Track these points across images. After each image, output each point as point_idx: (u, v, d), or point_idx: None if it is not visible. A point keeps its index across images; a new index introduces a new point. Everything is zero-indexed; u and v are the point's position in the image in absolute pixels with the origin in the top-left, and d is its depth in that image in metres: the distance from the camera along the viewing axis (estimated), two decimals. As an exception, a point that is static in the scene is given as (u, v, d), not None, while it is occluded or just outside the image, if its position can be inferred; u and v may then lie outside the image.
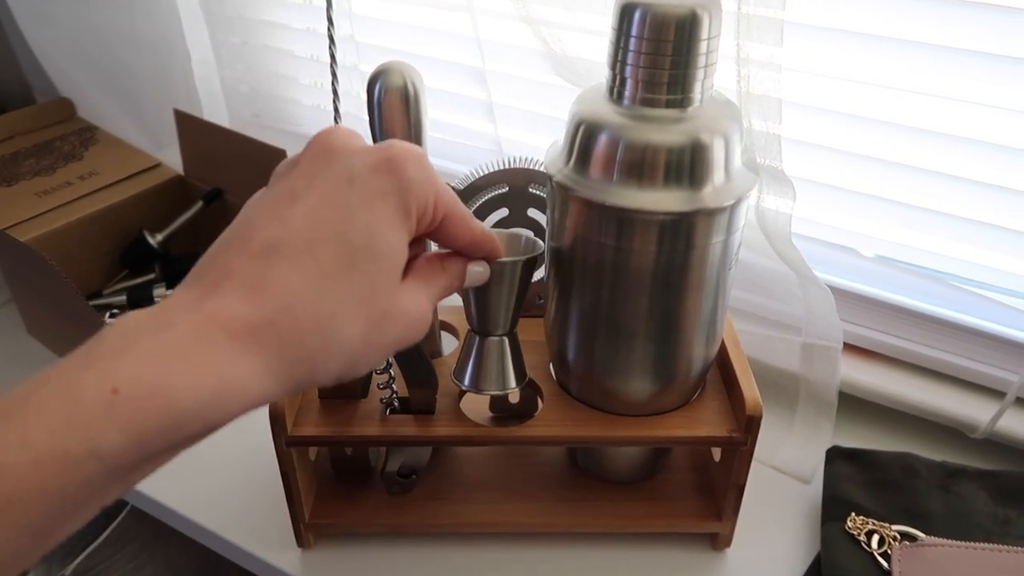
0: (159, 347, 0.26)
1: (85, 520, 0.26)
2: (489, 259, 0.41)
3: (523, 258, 0.44)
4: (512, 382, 0.49)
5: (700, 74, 0.42)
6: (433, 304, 0.36)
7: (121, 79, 0.92)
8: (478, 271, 0.40)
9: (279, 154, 0.74)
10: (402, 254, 0.33)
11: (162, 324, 0.27)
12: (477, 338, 0.48)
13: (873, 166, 0.62)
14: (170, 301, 0.29)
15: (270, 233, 0.30)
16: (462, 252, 0.39)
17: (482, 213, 0.56)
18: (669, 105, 0.42)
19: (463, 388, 0.49)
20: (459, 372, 0.49)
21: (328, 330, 0.29)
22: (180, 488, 0.61)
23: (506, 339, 0.48)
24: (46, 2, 0.89)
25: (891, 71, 0.58)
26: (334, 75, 0.52)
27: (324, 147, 0.33)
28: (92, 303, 0.76)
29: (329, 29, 0.50)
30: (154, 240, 0.80)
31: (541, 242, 0.47)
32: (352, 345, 0.30)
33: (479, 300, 0.46)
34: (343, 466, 0.58)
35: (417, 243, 0.36)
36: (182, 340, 0.27)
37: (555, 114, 0.74)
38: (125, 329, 0.27)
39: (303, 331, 0.29)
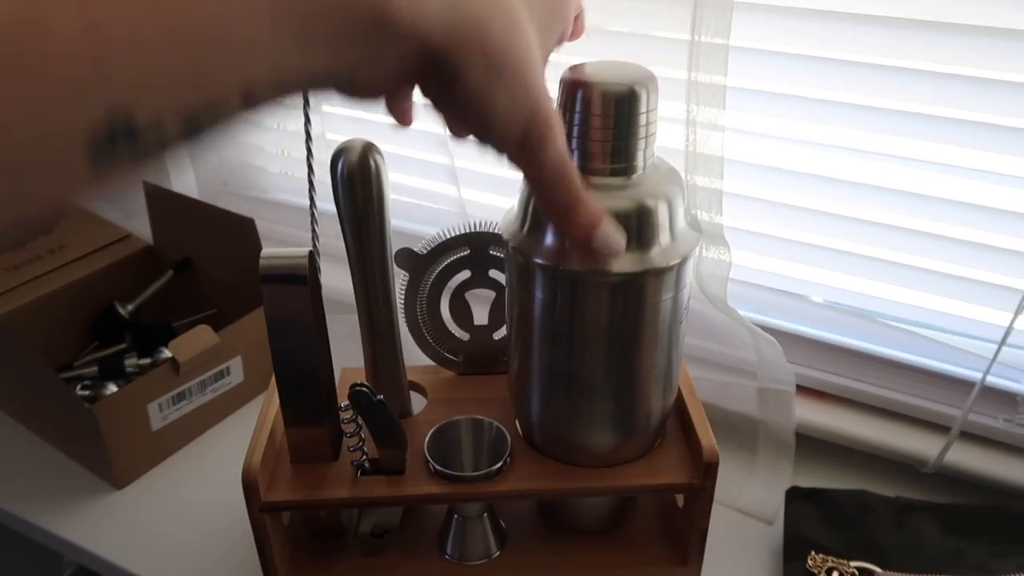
0: None
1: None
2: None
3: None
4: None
5: (641, 144, 0.45)
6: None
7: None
8: None
9: (247, 223, 0.75)
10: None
11: None
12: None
13: (820, 219, 0.66)
14: None
15: None
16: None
17: (446, 275, 0.58)
18: (614, 174, 0.45)
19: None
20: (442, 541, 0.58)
21: None
22: (152, 559, 0.62)
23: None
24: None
25: (845, 134, 0.62)
26: (309, 152, 0.54)
27: None
28: (63, 375, 0.76)
29: (306, 126, 0.53)
30: (124, 311, 0.82)
31: (507, 433, 0.54)
32: None
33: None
34: (316, 529, 0.59)
35: None
36: None
37: (513, 175, 0.77)
38: None
39: None
